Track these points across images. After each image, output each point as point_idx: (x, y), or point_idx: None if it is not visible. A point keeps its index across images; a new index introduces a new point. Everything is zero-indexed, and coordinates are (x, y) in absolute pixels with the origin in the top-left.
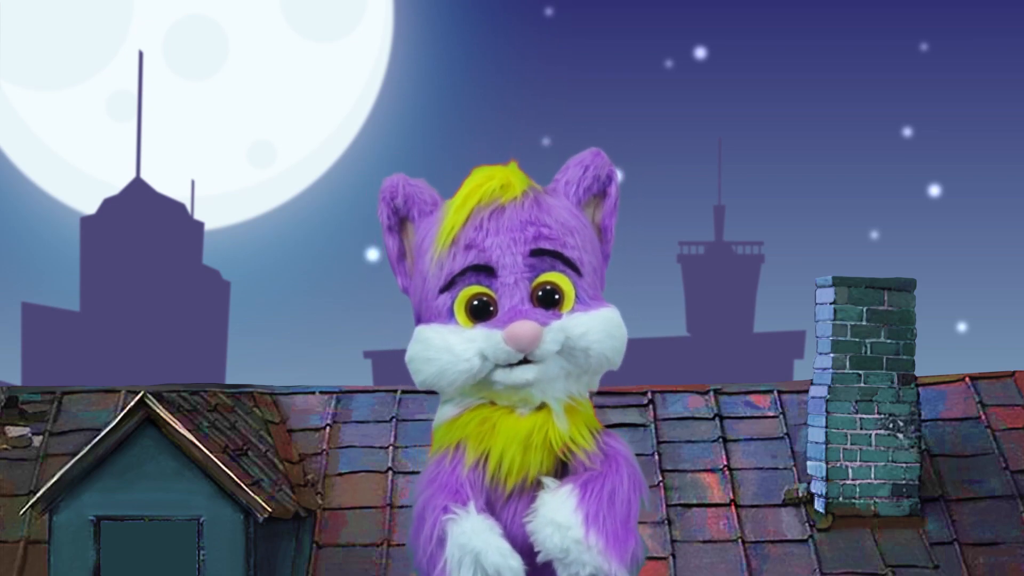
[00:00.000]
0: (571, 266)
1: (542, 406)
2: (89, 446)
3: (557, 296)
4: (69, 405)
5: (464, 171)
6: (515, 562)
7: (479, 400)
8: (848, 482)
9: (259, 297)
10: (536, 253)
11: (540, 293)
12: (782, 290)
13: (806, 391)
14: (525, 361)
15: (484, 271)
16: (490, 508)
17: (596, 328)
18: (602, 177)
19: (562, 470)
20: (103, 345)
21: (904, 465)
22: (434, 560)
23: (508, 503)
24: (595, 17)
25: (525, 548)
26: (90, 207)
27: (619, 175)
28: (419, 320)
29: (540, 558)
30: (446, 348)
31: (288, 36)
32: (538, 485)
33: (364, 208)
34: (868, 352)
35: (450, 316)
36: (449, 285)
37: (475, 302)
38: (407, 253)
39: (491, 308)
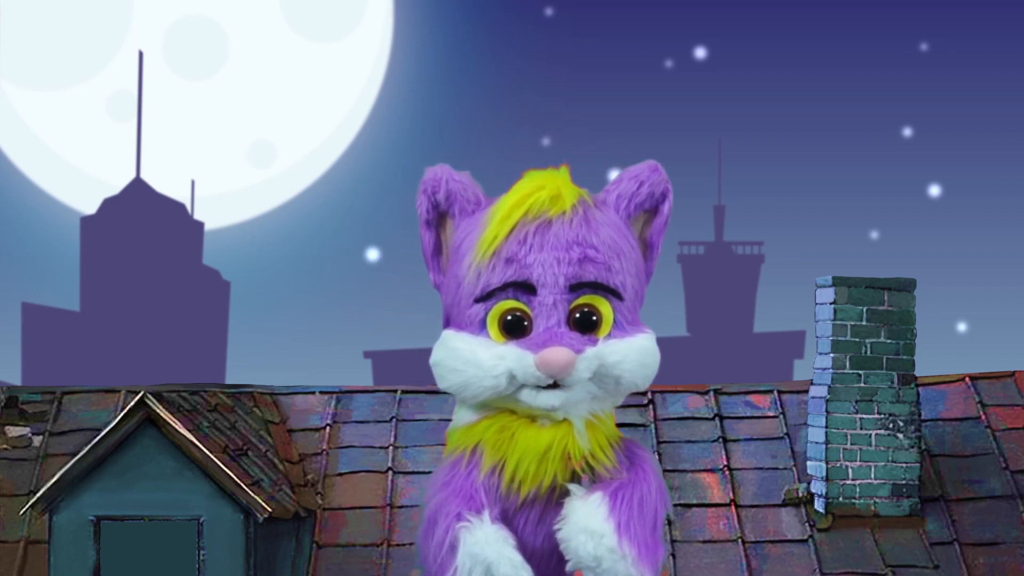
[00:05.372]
0: (612, 292)
1: (563, 419)
2: (89, 446)
3: (595, 319)
4: (69, 405)
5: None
6: (526, 574)
7: (498, 410)
8: (848, 482)
9: (259, 297)
10: (577, 287)
11: (578, 315)
12: (782, 290)
13: (806, 391)
14: (554, 384)
15: (523, 287)
16: (503, 516)
17: (631, 357)
18: (656, 194)
19: (577, 481)
20: (103, 345)
21: (904, 465)
22: (444, 566)
23: (520, 512)
24: (595, 17)
25: (536, 557)
26: (90, 207)
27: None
28: (448, 322)
29: (570, 566)
30: (474, 362)
31: (288, 36)
32: (552, 494)
33: (364, 208)
34: (868, 352)
35: (482, 328)
36: (486, 297)
37: (509, 317)
38: (443, 249)
39: (525, 324)
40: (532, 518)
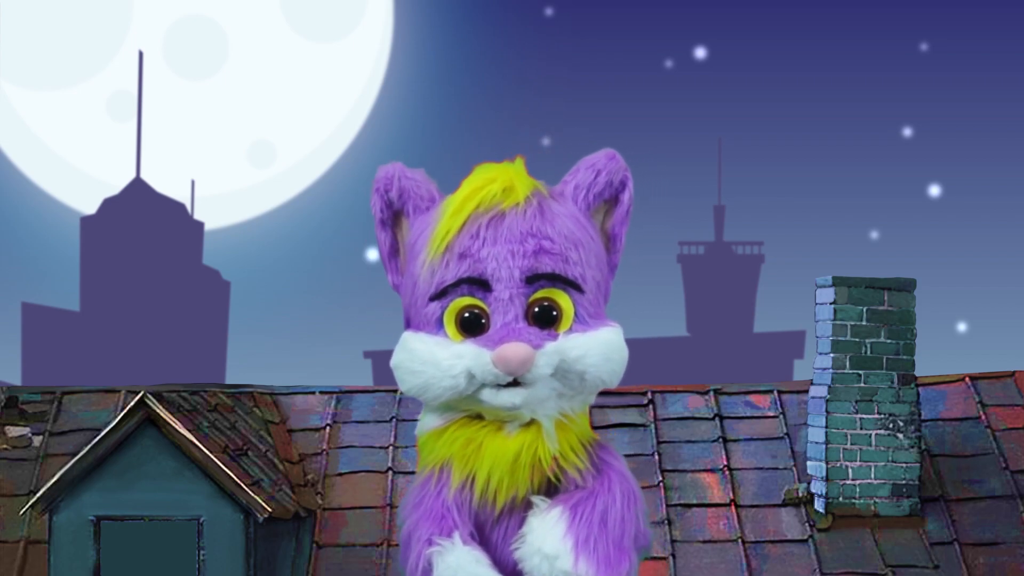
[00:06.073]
0: (571, 284)
1: (531, 422)
2: (89, 446)
3: (555, 313)
4: (69, 405)
5: (464, 172)
6: None
7: (464, 413)
8: (848, 482)
9: (259, 297)
10: (533, 280)
11: (537, 310)
12: (782, 290)
13: (806, 391)
14: (515, 383)
15: (477, 284)
16: (479, 530)
17: (594, 351)
18: (615, 183)
19: (554, 486)
20: (103, 345)
21: (904, 465)
22: None
23: (498, 523)
24: (595, 17)
25: (516, 570)
26: (90, 207)
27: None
28: (408, 323)
29: None
30: (432, 362)
31: (288, 36)
32: (529, 503)
33: (364, 208)
34: (868, 352)
35: (439, 326)
36: (440, 294)
37: (466, 315)
38: (400, 249)
39: (483, 321)
40: (510, 530)
